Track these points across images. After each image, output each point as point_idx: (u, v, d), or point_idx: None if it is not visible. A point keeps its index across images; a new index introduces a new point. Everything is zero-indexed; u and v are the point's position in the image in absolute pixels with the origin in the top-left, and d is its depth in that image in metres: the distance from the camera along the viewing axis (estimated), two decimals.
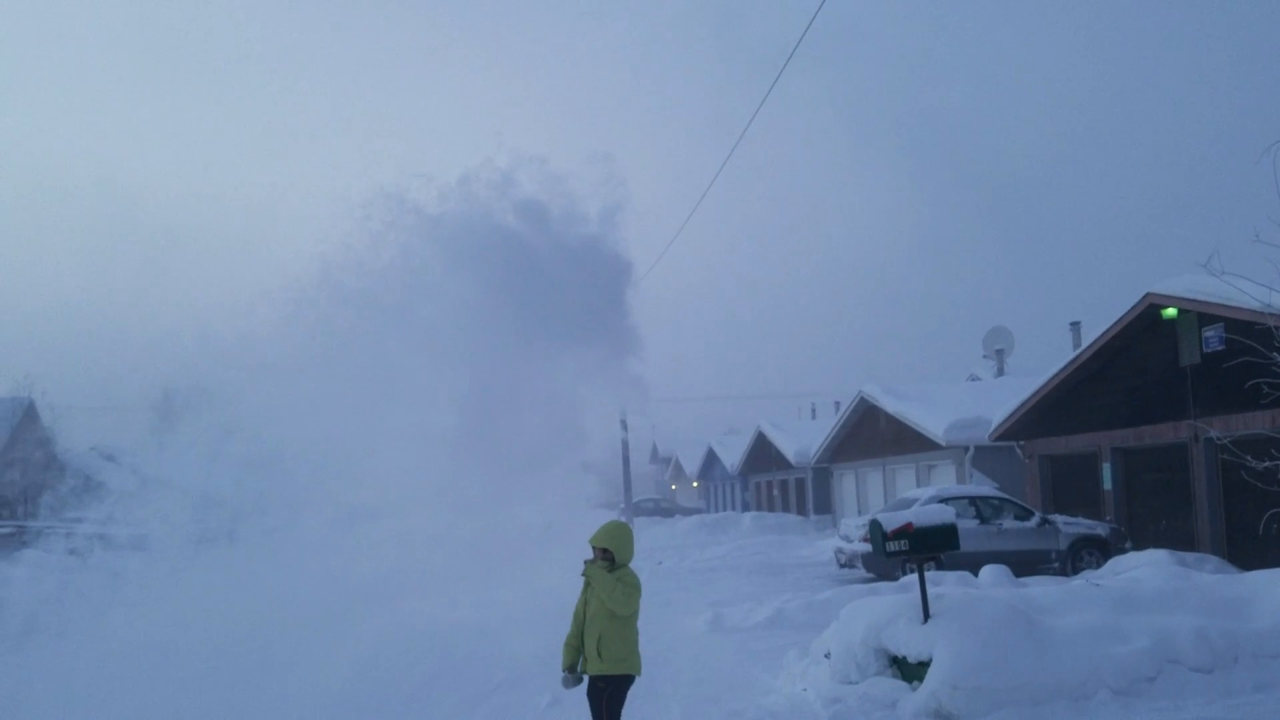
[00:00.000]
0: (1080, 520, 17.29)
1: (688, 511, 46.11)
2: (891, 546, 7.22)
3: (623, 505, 37.55)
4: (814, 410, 52.74)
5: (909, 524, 7.25)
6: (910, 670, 7.28)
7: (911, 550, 7.20)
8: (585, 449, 13.48)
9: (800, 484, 37.44)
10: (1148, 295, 17.21)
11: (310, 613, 10.96)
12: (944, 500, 15.68)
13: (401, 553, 12.34)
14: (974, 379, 35.51)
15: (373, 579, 11.87)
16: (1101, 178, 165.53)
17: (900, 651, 7.39)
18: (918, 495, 17.50)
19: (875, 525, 7.55)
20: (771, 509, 39.90)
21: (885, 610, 7.63)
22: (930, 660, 7.06)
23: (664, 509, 47.34)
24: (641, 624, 12.78)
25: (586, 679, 5.89)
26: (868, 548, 16.55)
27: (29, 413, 32.50)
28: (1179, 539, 16.39)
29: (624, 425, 31.96)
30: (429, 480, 11.77)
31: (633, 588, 5.80)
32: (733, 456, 46.60)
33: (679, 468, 63.61)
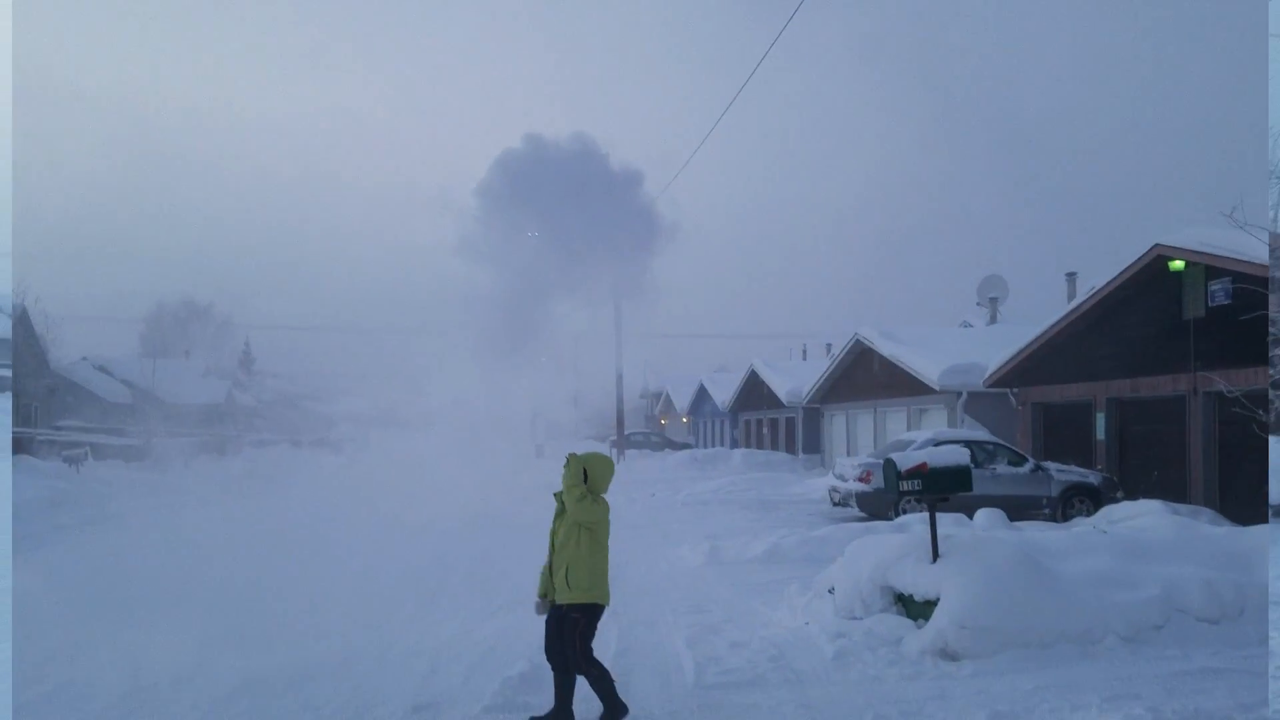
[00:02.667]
0: (1073, 468, 17.38)
1: (677, 446, 46.35)
2: (905, 486, 7.17)
3: (614, 437, 37.66)
4: (805, 351, 52.79)
5: (924, 464, 7.18)
6: (916, 608, 7.28)
7: (925, 490, 7.15)
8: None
9: (790, 423, 37.58)
10: (1156, 246, 17.05)
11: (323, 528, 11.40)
12: (939, 444, 15.67)
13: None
14: (966, 325, 35.50)
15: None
16: (1110, 132, 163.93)
17: (907, 590, 7.38)
18: (913, 438, 17.52)
19: (890, 464, 7.48)
20: (760, 447, 40.12)
21: (893, 548, 7.60)
22: (937, 599, 7.05)
23: (654, 443, 47.54)
24: (640, 555, 12.91)
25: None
26: (862, 487, 16.63)
27: (22, 319, 32.15)
28: (1171, 491, 16.50)
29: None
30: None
31: (600, 505, 5.81)
32: (724, 394, 46.71)
33: (669, 402, 63.80)
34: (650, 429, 60.12)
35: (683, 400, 58.99)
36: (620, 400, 34.10)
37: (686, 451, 36.25)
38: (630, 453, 37.17)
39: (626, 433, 39.49)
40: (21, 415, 32.12)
